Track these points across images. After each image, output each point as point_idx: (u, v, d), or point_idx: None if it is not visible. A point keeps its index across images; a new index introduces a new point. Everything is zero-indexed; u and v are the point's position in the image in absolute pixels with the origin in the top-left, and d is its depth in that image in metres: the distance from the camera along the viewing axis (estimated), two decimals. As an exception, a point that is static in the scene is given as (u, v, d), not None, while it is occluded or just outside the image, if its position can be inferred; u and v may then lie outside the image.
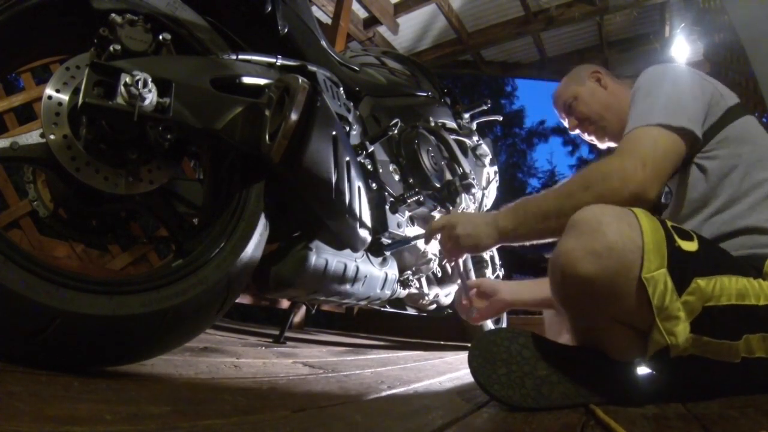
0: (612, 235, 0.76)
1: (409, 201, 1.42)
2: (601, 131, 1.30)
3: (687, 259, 0.78)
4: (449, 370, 1.49)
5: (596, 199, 0.88)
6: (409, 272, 1.57)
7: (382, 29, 4.31)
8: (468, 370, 0.84)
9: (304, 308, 2.70)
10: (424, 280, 1.66)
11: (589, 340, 0.86)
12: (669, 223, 0.82)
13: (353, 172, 1.10)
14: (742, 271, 0.80)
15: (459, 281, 1.40)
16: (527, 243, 1.06)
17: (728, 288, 0.77)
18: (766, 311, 0.77)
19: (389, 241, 1.43)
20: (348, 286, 1.31)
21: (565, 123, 1.40)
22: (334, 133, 1.01)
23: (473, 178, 1.73)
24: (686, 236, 0.81)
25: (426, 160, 1.54)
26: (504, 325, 2.33)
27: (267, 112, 0.93)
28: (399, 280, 1.52)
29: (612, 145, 1.32)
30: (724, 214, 0.95)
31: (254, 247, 0.96)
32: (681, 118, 0.94)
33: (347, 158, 1.07)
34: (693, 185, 0.99)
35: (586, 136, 1.36)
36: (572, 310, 0.86)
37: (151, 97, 0.80)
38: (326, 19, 3.70)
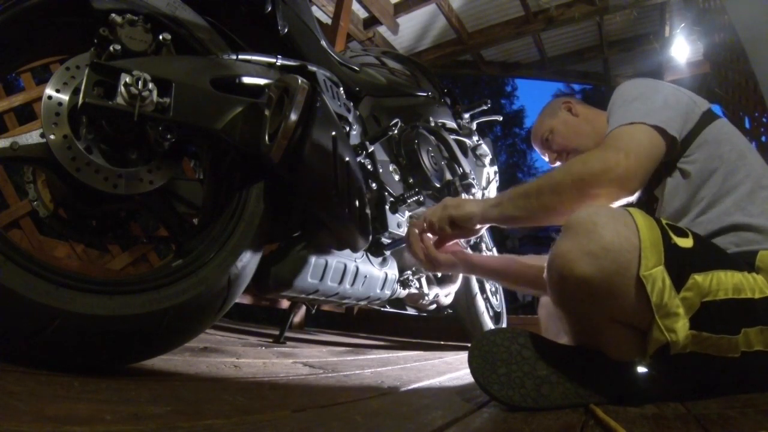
0: (608, 235, 0.77)
1: (409, 201, 1.42)
2: None
3: (683, 256, 0.79)
4: (449, 370, 1.49)
5: (574, 181, 0.91)
6: (409, 272, 1.57)
7: (382, 29, 4.32)
8: (468, 370, 0.84)
9: (304, 308, 2.70)
10: (424, 280, 1.66)
11: (587, 341, 0.86)
12: (664, 221, 0.83)
13: (353, 173, 1.10)
14: (736, 266, 0.81)
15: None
16: (513, 225, 1.08)
17: (725, 282, 0.78)
18: (762, 304, 0.78)
19: (389, 241, 1.43)
20: (348, 286, 1.31)
21: (546, 158, 1.44)
22: (333, 133, 1.01)
23: (473, 178, 1.74)
24: (681, 233, 0.82)
25: (426, 160, 1.54)
26: (504, 325, 2.33)
27: (267, 113, 0.93)
28: (399, 280, 1.52)
29: None
30: (709, 213, 0.96)
31: (254, 247, 0.96)
32: (656, 118, 0.97)
33: (347, 158, 1.07)
34: (678, 190, 1.02)
35: None
36: (570, 311, 0.86)
37: (151, 97, 0.80)
38: (326, 19, 3.70)
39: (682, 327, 0.76)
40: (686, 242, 0.81)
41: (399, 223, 1.45)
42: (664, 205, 1.04)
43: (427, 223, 1.16)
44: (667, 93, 1.04)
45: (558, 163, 1.39)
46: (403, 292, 1.58)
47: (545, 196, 0.94)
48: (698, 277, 0.77)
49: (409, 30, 4.53)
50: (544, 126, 1.40)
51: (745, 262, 0.84)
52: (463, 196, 1.65)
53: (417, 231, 1.25)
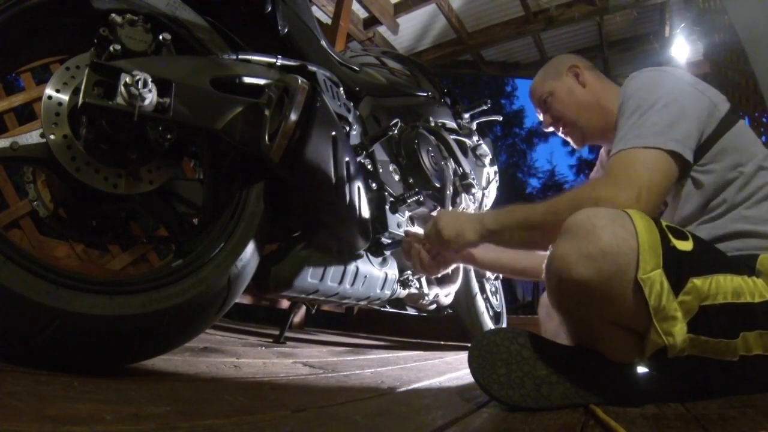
0: (606, 238, 0.76)
1: (409, 201, 1.42)
2: (578, 132, 1.24)
3: (682, 259, 0.78)
4: (449, 370, 1.49)
5: None
6: (409, 272, 1.57)
7: (382, 29, 4.32)
8: (468, 370, 0.84)
9: (304, 308, 2.70)
10: (424, 280, 1.66)
11: (586, 342, 0.86)
12: (664, 223, 0.82)
13: (353, 172, 1.10)
14: (736, 270, 0.81)
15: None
16: (510, 249, 1.07)
17: (724, 286, 0.77)
18: (761, 308, 0.78)
19: (389, 241, 1.43)
20: (348, 286, 1.31)
21: (540, 117, 1.32)
22: (333, 133, 1.01)
23: (473, 178, 1.73)
24: (681, 236, 0.81)
25: (426, 160, 1.53)
26: (504, 325, 2.33)
27: (267, 113, 0.93)
28: (399, 280, 1.52)
29: (591, 144, 1.28)
30: (716, 221, 0.95)
31: (254, 247, 0.96)
32: (672, 140, 0.91)
33: (347, 158, 1.07)
34: (688, 198, 0.98)
35: (561, 134, 1.29)
36: (568, 313, 0.86)
37: (151, 97, 0.80)
38: (326, 19, 3.70)
39: (679, 331, 0.75)
40: (686, 245, 0.79)
41: (399, 223, 1.45)
42: (673, 211, 1.01)
43: (425, 242, 1.16)
44: (685, 96, 0.96)
45: (551, 129, 1.29)
46: (403, 292, 1.57)
47: (549, 229, 0.89)
48: (697, 281, 0.76)
49: (409, 30, 4.52)
50: (545, 86, 1.27)
51: (745, 265, 0.83)
52: (463, 196, 1.65)
53: (413, 243, 1.26)
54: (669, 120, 0.93)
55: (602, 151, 1.36)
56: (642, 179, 0.88)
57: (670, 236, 0.79)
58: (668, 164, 0.91)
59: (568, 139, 1.29)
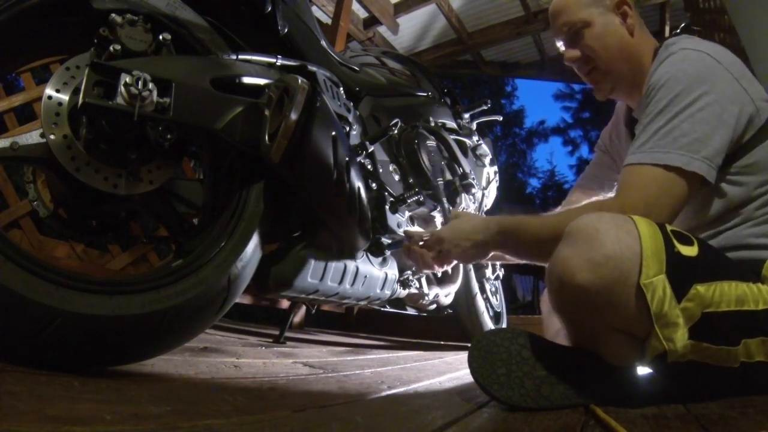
0: (609, 244, 0.75)
1: (409, 201, 1.42)
2: (608, 83, 1.07)
3: (686, 265, 0.77)
4: (449, 370, 1.49)
5: None
6: (409, 272, 1.57)
7: (382, 29, 4.32)
8: (468, 370, 0.84)
9: (304, 308, 2.70)
10: (424, 280, 1.66)
11: (586, 345, 0.86)
12: (669, 228, 0.80)
13: (353, 173, 1.10)
14: (741, 276, 0.80)
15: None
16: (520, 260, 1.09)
17: (728, 294, 0.76)
18: (764, 315, 0.77)
19: (389, 241, 1.43)
20: (348, 287, 1.31)
21: (560, 47, 1.10)
22: (333, 133, 1.01)
23: (473, 178, 1.73)
24: (686, 241, 0.79)
25: (426, 160, 1.53)
26: (504, 325, 2.33)
27: (267, 113, 0.93)
28: (399, 280, 1.52)
29: (616, 98, 1.14)
30: (728, 232, 0.94)
31: (254, 247, 0.96)
32: (699, 159, 0.85)
33: (347, 158, 1.07)
34: (708, 205, 0.95)
35: (584, 77, 1.10)
36: (569, 318, 0.86)
37: (151, 97, 0.80)
38: (326, 19, 3.70)
39: (680, 337, 0.75)
40: (690, 251, 0.78)
41: (399, 223, 1.45)
42: (688, 215, 0.97)
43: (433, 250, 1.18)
44: (727, 96, 0.87)
45: (572, 64, 1.08)
46: (403, 292, 1.57)
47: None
48: (701, 288, 0.75)
49: (409, 30, 4.53)
50: (581, 12, 1.03)
51: (751, 271, 0.83)
52: (463, 196, 1.65)
53: (415, 243, 1.26)
54: (701, 131, 0.86)
55: (618, 106, 1.26)
56: (653, 204, 0.86)
57: (675, 241, 0.78)
58: (686, 187, 0.87)
59: (593, 86, 1.11)
